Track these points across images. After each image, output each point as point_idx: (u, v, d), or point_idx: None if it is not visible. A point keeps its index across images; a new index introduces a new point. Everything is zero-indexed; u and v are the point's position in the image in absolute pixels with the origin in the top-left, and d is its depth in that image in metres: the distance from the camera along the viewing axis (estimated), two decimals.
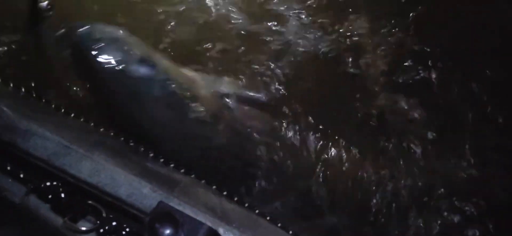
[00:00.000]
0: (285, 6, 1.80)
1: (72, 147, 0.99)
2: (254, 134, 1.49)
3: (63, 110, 1.20)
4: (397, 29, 1.72)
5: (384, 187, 1.41)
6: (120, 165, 0.98)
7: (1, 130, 1.00)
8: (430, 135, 1.52)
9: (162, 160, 1.13)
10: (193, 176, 1.12)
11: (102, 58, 1.38)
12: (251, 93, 1.60)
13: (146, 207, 0.94)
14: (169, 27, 1.77)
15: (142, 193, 0.95)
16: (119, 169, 0.98)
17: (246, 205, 1.14)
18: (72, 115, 1.19)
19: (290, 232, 1.07)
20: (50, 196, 0.91)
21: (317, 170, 1.43)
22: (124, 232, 0.92)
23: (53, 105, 1.24)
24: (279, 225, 1.09)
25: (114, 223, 0.91)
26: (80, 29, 1.39)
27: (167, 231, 0.82)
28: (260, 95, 1.61)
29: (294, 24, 1.74)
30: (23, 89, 1.22)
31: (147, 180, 0.98)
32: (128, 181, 0.96)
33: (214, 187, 1.19)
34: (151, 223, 0.83)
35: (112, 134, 1.17)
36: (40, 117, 1.04)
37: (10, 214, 1.00)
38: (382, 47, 1.69)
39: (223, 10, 1.80)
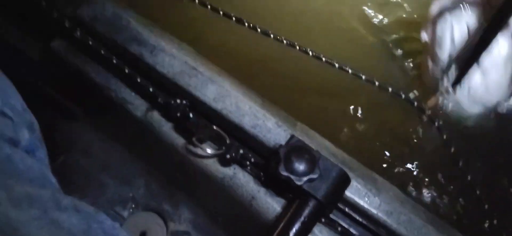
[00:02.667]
0: None
1: (199, 69, 0.96)
2: None
3: None
4: None
5: None
6: (245, 95, 0.95)
7: (128, 42, 0.98)
8: None
9: None
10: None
11: None
12: None
13: (269, 141, 0.91)
14: None
15: (266, 126, 0.92)
16: (244, 98, 0.94)
17: None
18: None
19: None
20: (178, 114, 0.88)
21: None
22: (248, 162, 0.89)
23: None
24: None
25: (241, 151, 0.88)
26: None
27: (303, 166, 0.78)
28: None
29: None
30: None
31: (271, 113, 0.94)
32: (252, 112, 0.93)
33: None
34: (287, 154, 0.79)
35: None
36: (167, 36, 1.01)
37: (132, 127, 0.99)
38: None
39: None
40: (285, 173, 0.77)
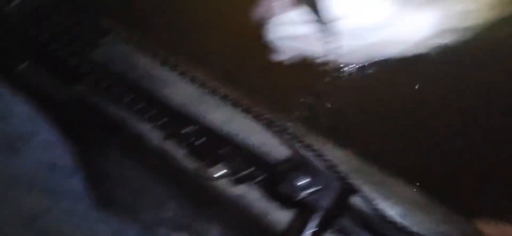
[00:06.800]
0: None
1: (206, 96, 1.00)
2: None
3: None
4: None
5: None
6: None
7: (141, 78, 1.04)
8: None
9: None
10: None
11: None
12: None
13: (278, 157, 0.94)
14: None
15: (274, 142, 0.95)
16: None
17: None
18: None
19: None
20: (188, 141, 0.94)
21: None
22: (258, 181, 0.93)
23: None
24: None
25: (248, 171, 0.92)
26: None
27: (302, 180, 0.81)
28: None
29: None
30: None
31: None
32: (260, 130, 0.96)
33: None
34: (286, 170, 0.82)
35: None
36: (177, 67, 1.07)
37: (153, 156, 1.06)
38: None
39: None
40: (284, 190, 0.80)
